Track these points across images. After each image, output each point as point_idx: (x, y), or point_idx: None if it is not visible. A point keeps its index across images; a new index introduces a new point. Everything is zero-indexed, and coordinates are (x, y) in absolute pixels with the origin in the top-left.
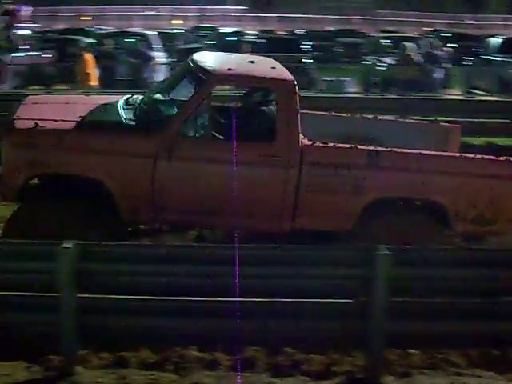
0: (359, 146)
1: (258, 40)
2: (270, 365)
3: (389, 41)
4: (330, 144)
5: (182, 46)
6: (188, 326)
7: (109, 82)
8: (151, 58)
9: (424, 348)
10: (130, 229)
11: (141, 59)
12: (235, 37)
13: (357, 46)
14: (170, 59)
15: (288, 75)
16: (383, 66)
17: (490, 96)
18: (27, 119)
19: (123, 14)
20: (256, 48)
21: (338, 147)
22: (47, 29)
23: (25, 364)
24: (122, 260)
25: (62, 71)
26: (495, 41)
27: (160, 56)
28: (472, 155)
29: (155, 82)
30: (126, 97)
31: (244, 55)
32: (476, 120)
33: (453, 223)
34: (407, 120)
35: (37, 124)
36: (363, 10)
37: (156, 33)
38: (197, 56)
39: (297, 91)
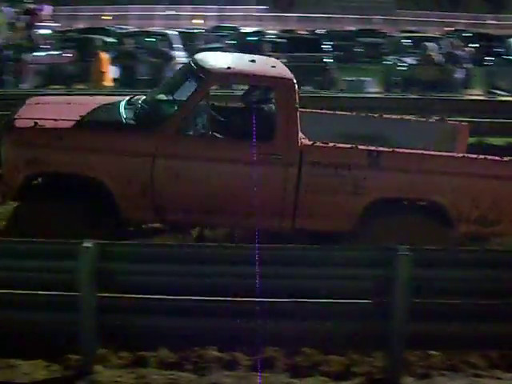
0: (360, 146)
1: (278, 40)
2: (289, 365)
3: (409, 41)
4: (331, 144)
5: (203, 46)
6: (208, 325)
7: (129, 82)
8: (172, 58)
9: (444, 349)
10: (131, 228)
11: (161, 59)
12: (256, 37)
13: (377, 45)
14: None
15: (288, 73)
16: (404, 66)
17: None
18: (27, 118)
19: (144, 14)
20: (276, 48)
21: (339, 147)
22: (68, 28)
23: (44, 363)
24: (141, 259)
25: (82, 70)
26: None
27: (180, 55)
28: (475, 155)
29: None
30: (128, 97)
31: (247, 55)
32: (497, 120)
33: (455, 224)
34: (414, 118)
35: (36, 123)
36: (384, 9)
37: (176, 32)
38: (198, 56)
39: (296, 89)
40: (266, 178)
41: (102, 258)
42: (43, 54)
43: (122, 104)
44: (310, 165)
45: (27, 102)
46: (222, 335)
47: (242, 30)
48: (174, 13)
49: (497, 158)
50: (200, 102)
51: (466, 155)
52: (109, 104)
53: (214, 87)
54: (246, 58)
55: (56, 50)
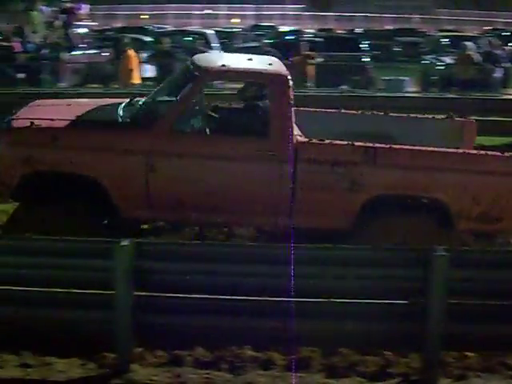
0: (356, 143)
1: (316, 39)
2: (325, 365)
3: (448, 40)
4: (327, 141)
5: (240, 45)
6: (243, 325)
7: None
8: None
9: (480, 350)
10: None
11: None
12: (293, 36)
13: (416, 45)
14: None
15: (282, 70)
16: (442, 66)
17: None
18: (24, 119)
19: (181, 13)
20: (314, 47)
21: (334, 144)
22: (105, 27)
23: (79, 361)
24: (178, 258)
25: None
26: None
27: None
28: (475, 151)
29: None
30: (130, 98)
31: (247, 55)
32: None
33: (455, 221)
34: (420, 116)
35: (32, 123)
36: (423, 8)
37: (214, 31)
38: (196, 56)
39: (290, 86)
40: (261, 176)
41: (138, 256)
42: (80, 52)
43: (122, 105)
44: (305, 162)
45: (29, 104)
46: (258, 334)
47: (279, 29)
48: (211, 12)
49: (498, 153)
50: (194, 99)
51: (465, 151)
52: (109, 105)
53: (208, 84)
54: (244, 57)
55: (93, 48)
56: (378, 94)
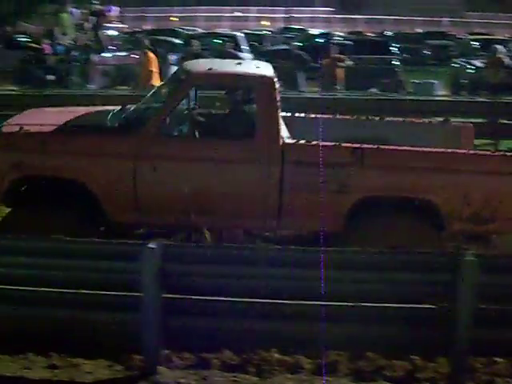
0: (343, 144)
1: (345, 42)
2: (352, 370)
3: (478, 43)
4: (313, 142)
5: (269, 48)
6: (270, 328)
7: None
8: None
9: (509, 356)
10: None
11: None
12: (323, 38)
13: (446, 48)
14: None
15: (269, 72)
16: (472, 69)
17: None
18: (15, 124)
19: (211, 15)
20: (344, 50)
21: (321, 145)
22: (135, 29)
23: (106, 362)
24: (205, 261)
25: None
26: None
27: (247, 57)
28: (464, 150)
29: None
30: (122, 104)
31: (238, 61)
32: None
33: (446, 222)
34: (416, 120)
35: (21, 128)
36: (453, 11)
37: (243, 34)
38: (187, 62)
39: (277, 88)
40: (248, 178)
41: (166, 259)
42: (110, 55)
43: (114, 111)
44: (292, 164)
45: (25, 112)
46: (286, 338)
47: (309, 32)
48: (241, 14)
49: (487, 152)
50: (181, 102)
51: (455, 151)
52: (100, 111)
53: (195, 88)
54: (234, 61)
55: (123, 51)
56: (408, 98)
